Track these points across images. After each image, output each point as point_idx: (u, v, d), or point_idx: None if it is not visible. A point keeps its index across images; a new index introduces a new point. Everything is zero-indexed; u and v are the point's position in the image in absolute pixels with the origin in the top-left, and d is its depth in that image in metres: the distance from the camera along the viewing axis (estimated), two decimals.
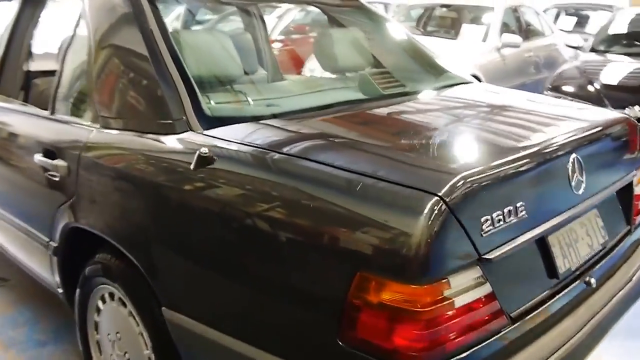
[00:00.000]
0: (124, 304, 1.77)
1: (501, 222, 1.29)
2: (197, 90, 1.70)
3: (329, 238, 1.25)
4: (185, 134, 1.61)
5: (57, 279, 2.07)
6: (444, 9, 7.33)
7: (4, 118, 2.37)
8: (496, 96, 2.34)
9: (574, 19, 10.10)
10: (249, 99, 1.92)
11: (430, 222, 1.15)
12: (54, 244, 2.01)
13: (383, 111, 1.95)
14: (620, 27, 6.04)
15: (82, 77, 2.01)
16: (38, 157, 1.98)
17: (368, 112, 1.94)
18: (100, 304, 1.90)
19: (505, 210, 1.31)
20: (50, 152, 1.96)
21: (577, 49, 6.14)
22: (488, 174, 1.32)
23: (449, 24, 7.11)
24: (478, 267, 1.26)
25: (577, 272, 1.59)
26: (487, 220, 1.26)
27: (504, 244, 1.30)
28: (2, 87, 2.50)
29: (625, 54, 5.48)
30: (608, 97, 4.61)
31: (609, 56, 5.53)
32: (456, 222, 1.19)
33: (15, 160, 2.30)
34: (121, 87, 1.82)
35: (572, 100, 4.25)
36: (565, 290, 1.53)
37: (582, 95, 4.64)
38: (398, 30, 2.69)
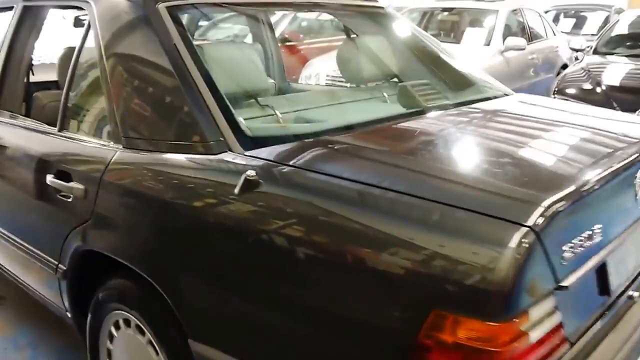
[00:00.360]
0: (142, 332, 1.66)
1: (580, 248, 1.21)
2: (232, 109, 1.59)
3: (401, 272, 1.13)
4: (223, 154, 1.50)
5: (66, 303, 1.96)
6: (446, 13, 7.27)
7: (4, 133, 2.25)
8: (543, 109, 2.24)
9: (573, 21, 10.10)
10: (286, 116, 1.81)
11: (519, 255, 1.05)
12: (63, 267, 1.89)
13: (434, 127, 1.84)
14: (623, 28, 6.01)
15: (96, 93, 1.88)
16: (50, 179, 1.85)
17: (416, 128, 1.82)
18: (113, 330, 1.79)
19: (584, 234, 1.23)
20: (64, 172, 1.83)
21: (580, 51, 6.10)
22: (570, 198, 1.24)
23: (451, 28, 7.05)
24: (553, 296, 1.17)
25: (624, 288, 1.53)
26: (568, 247, 1.18)
27: (577, 269, 1.21)
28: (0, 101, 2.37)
29: (629, 56, 5.44)
30: (616, 99, 4.55)
31: (614, 58, 5.49)
32: (543, 254, 1.10)
33: (18, 180, 2.16)
34: (148, 105, 1.69)
35: (579, 102, 4.20)
36: (613, 307, 1.46)
37: (589, 98, 4.59)
38: (426, 38, 2.58)
